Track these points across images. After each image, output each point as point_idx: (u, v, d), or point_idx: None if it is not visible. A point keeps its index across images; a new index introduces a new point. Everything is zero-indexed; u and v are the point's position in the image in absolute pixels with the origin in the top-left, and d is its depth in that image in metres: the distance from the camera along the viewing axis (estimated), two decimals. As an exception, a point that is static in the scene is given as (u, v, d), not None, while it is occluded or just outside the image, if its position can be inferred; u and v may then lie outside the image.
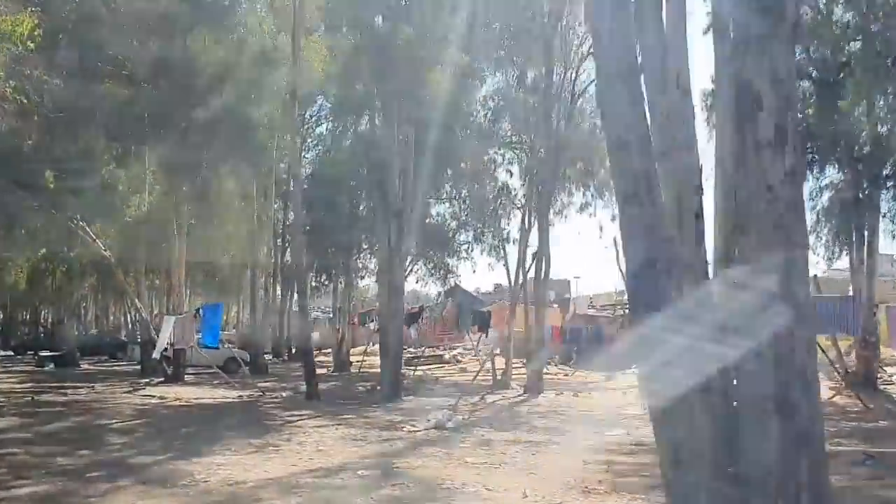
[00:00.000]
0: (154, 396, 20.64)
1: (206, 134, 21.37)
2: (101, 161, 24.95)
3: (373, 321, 36.50)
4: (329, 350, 46.92)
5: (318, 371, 35.95)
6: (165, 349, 23.54)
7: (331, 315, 57.14)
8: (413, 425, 14.28)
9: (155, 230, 27.75)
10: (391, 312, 21.65)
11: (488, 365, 25.03)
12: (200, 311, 21.78)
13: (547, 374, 27.29)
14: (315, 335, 54.71)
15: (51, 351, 41.13)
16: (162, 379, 27.56)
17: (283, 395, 21.67)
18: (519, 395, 21.81)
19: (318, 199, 35.82)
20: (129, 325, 57.50)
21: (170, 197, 26.14)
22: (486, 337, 29.23)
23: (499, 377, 25.11)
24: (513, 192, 25.51)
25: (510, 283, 25.61)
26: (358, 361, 35.35)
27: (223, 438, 12.70)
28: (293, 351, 45.17)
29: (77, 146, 22.93)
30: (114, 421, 15.31)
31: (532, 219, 23.53)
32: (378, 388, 23.55)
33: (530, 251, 24.61)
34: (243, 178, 26.67)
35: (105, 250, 26.86)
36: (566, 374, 30.54)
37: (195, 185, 25.38)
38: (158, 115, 20.89)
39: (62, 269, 34.25)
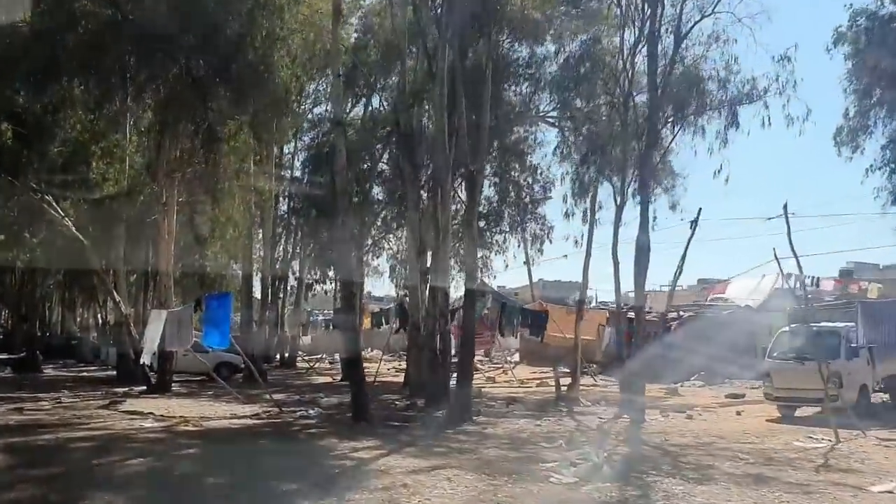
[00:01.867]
0: (142, 414, 15.69)
1: (213, 71, 16.49)
2: (74, 111, 20.06)
3: (389, 323, 31.75)
4: (320, 357, 42.24)
5: (321, 380, 31.52)
6: (154, 352, 18.64)
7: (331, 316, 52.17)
8: (552, 470, 9.44)
9: (138, 206, 22.81)
10: (467, 314, 16.92)
11: (509, 372, 20.34)
12: (202, 302, 17.01)
13: (588, 386, 22.88)
14: (306, 339, 49.93)
15: (8, 354, 35.73)
16: (144, 388, 22.62)
17: (310, 412, 16.82)
18: (608, 414, 17.16)
19: (323, 173, 31.19)
20: (101, 326, 52.12)
21: (158, 163, 21.19)
22: (541, 341, 24.59)
23: (563, 390, 20.53)
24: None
25: (585, 280, 20.91)
26: (371, 370, 30.56)
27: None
28: (285, 356, 40.21)
29: (43, 90, 18.01)
30: (93, 462, 10.31)
31: (628, 191, 18.70)
32: (415, 402, 18.94)
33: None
34: (247, 146, 21.75)
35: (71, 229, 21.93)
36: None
37: (191, 149, 20.49)
38: (150, 42, 15.82)
39: (24, 257, 29.03)
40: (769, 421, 16.22)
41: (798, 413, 16.66)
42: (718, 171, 16.80)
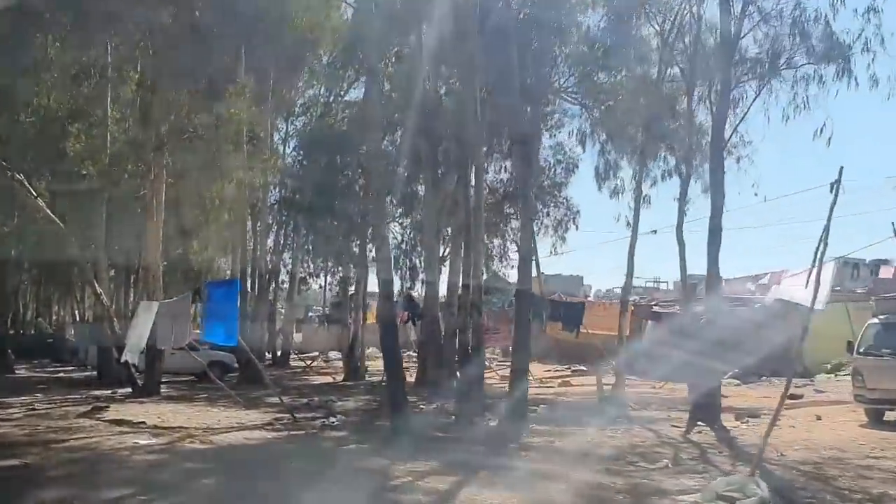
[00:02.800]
0: (132, 425, 13.11)
1: (218, 18, 13.92)
2: (49, 72, 17.41)
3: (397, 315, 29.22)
4: (315, 355, 39.70)
5: (320, 379, 28.89)
6: (142, 350, 16.06)
7: (321, 311, 49.56)
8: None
9: (122, 185, 20.15)
10: (521, 309, 14.46)
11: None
12: (204, 291, 14.50)
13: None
14: (297, 336, 47.19)
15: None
16: (130, 391, 20.03)
17: (332, 419, 14.34)
18: (677, 420, 14.82)
19: (318, 158, 28.68)
20: (79, 323, 49.01)
21: (146, 132, 18.55)
22: (576, 337, 22.19)
23: (605, 392, 18.23)
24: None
25: (630, 268, 18.48)
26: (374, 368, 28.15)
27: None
28: (278, 354, 37.57)
29: (11, 45, 15.35)
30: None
31: (696, 160, 16.15)
32: (441, 404, 16.59)
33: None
34: (248, 114, 19.12)
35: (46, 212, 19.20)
36: (654, 387, 23.79)
37: (185, 114, 17.90)
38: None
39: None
40: (862, 427, 14.03)
41: (887, 417, 14.49)
42: (820, 131, 14.16)
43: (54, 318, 55.41)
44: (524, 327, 13.97)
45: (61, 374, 28.67)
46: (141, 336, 15.23)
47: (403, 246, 31.43)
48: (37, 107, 18.77)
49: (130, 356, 15.61)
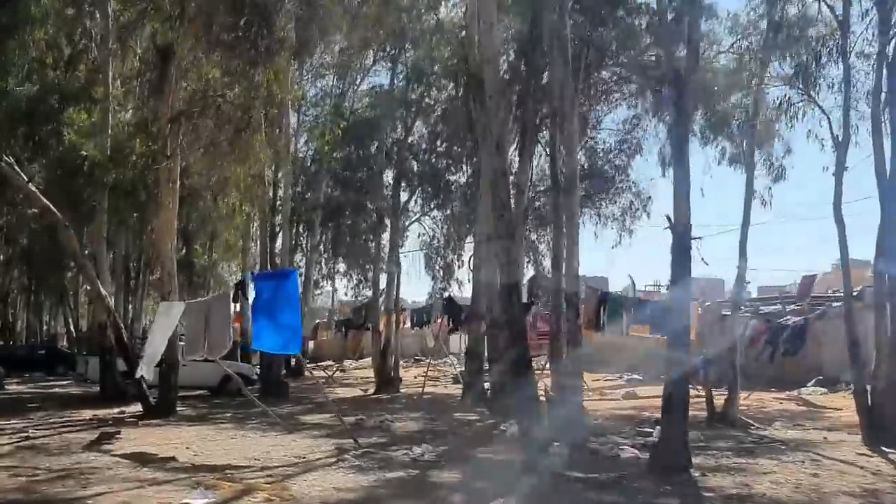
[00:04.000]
0: (158, 461, 9.97)
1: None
2: (42, 29, 14.41)
3: (430, 322, 26.23)
4: (331, 363, 36.63)
5: (347, 393, 25.63)
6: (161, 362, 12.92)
7: (327, 317, 46.45)
8: None
9: (129, 168, 17.11)
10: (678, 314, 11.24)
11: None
12: (249, 285, 11.35)
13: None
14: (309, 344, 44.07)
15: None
16: (141, 410, 16.95)
17: (415, 449, 11.25)
18: (832, 445, 11.83)
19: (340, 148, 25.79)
20: (73, 332, 45.77)
21: (160, 103, 15.50)
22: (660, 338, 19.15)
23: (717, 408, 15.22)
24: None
25: (743, 260, 15.42)
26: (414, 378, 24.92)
27: None
28: (292, 363, 34.40)
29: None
30: None
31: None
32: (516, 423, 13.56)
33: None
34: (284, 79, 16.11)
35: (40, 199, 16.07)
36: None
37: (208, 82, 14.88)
38: None
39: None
40: None
41: None
42: None
43: (44, 327, 52.04)
44: (680, 324, 10.71)
45: (57, 390, 25.43)
46: (159, 345, 12.19)
47: (436, 243, 28.50)
48: (28, 72, 15.72)
49: (146, 370, 12.49)
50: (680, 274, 9.87)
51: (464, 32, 17.92)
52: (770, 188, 18.00)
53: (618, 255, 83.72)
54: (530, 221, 23.88)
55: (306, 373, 33.44)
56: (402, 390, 24.57)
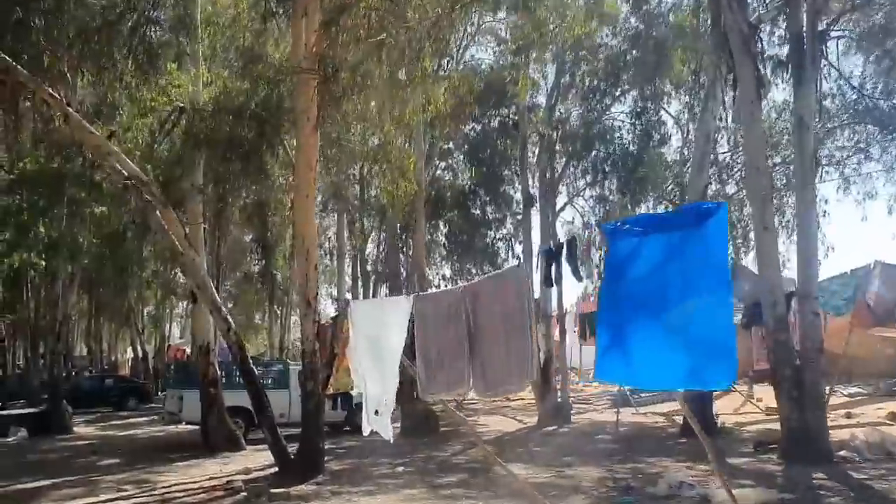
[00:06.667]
0: None
1: None
2: None
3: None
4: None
5: (501, 424, 19.60)
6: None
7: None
8: None
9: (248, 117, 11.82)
10: None
11: None
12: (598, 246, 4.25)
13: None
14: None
15: (22, 405, 24.73)
16: (275, 468, 11.76)
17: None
18: None
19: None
20: (139, 359, 40.94)
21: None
22: None
23: None
24: None
25: None
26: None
27: None
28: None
29: None
30: None
31: None
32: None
33: None
34: None
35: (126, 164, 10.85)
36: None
37: None
38: None
39: (38, 256, 18.03)
40: None
41: None
42: None
43: (102, 354, 47.23)
44: None
45: (137, 433, 20.34)
46: (374, 371, 6.88)
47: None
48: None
49: (374, 419, 6.98)
50: None
51: None
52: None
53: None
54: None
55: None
56: (574, 422, 18.82)
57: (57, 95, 10.25)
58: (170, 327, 45.86)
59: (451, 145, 22.14)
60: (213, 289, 11.71)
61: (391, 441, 7.64)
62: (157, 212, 11.59)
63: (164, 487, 11.29)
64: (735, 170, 21.42)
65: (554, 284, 12.34)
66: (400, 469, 12.11)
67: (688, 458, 12.03)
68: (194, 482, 11.67)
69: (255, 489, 10.61)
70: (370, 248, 29.49)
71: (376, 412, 7.29)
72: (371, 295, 30.32)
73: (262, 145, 12.12)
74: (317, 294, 11.44)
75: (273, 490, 10.30)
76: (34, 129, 19.19)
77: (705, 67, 16.02)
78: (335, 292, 32.20)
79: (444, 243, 26.25)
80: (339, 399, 14.53)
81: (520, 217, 22.30)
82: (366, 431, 7.59)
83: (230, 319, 11.72)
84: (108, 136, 10.87)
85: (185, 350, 38.31)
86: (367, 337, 7.32)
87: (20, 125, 18.11)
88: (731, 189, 21.88)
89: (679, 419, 18.26)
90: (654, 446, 14.04)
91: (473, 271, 24.89)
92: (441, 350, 6.37)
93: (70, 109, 10.32)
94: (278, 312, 39.08)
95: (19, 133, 18.36)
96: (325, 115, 10.60)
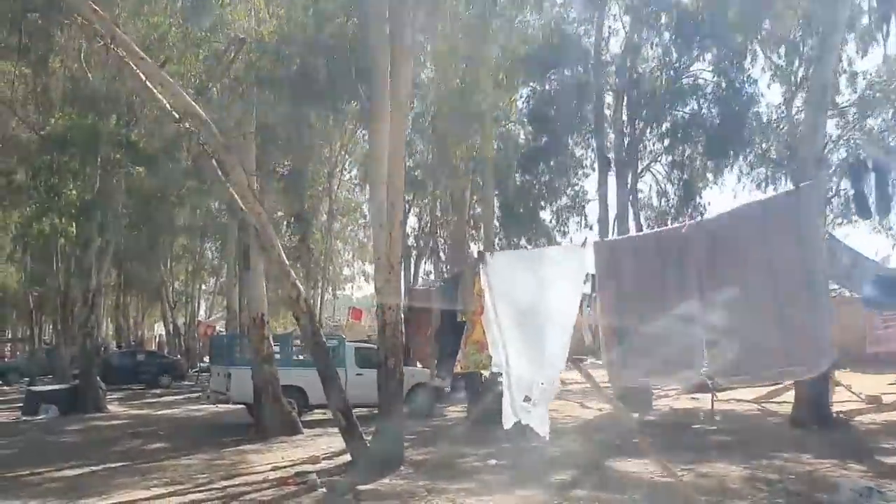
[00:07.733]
0: None
1: None
2: None
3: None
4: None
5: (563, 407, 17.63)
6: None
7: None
8: None
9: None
10: None
11: None
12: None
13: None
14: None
15: (50, 381, 23.37)
16: (345, 456, 10.16)
17: None
18: None
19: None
20: (171, 335, 39.56)
21: None
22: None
23: None
24: None
25: None
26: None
27: None
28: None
29: None
30: None
31: None
32: None
33: None
34: None
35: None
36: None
37: None
38: None
39: (69, 222, 16.45)
40: None
41: None
42: None
43: (129, 329, 45.84)
44: None
45: (176, 411, 18.83)
46: (550, 352, 5.16)
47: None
48: None
49: (523, 412, 5.27)
50: None
51: None
52: None
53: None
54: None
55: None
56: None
57: (102, 13, 8.55)
58: (197, 304, 44.55)
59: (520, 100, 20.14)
60: (281, 249, 9.99)
61: (547, 439, 5.88)
62: (213, 160, 9.96)
63: (223, 479, 9.68)
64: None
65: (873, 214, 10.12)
66: (492, 462, 10.40)
67: (822, 455, 10.29)
68: (257, 472, 10.06)
69: (332, 483, 8.96)
70: (412, 221, 27.64)
71: (527, 399, 5.56)
72: (413, 274, 28.72)
73: (341, 82, 10.37)
74: (401, 258, 9.70)
75: (360, 487, 8.63)
76: (65, 83, 17.89)
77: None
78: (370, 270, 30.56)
79: (497, 216, 24.33)
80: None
81: (583, 186, 20.47)
82: (507, 424, 5.86)
83: (300, 285, 9.99)
84: (161, 64, 9.17)
85: (214, 327, 37.08)
86: (514, 301, 5.59)
87: (49, 79, 16.78)
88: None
89: (771, 406, 16.66)
90: (769, 439, 12.23)
91: (528, 247, 23.00)
92: (647, 319, 4.59)
93: (118, 30, 8.60)
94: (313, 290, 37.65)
95: (48, 86, 17.02)
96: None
